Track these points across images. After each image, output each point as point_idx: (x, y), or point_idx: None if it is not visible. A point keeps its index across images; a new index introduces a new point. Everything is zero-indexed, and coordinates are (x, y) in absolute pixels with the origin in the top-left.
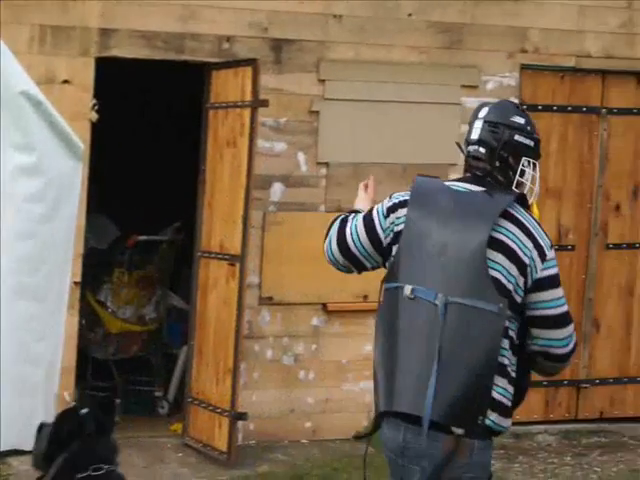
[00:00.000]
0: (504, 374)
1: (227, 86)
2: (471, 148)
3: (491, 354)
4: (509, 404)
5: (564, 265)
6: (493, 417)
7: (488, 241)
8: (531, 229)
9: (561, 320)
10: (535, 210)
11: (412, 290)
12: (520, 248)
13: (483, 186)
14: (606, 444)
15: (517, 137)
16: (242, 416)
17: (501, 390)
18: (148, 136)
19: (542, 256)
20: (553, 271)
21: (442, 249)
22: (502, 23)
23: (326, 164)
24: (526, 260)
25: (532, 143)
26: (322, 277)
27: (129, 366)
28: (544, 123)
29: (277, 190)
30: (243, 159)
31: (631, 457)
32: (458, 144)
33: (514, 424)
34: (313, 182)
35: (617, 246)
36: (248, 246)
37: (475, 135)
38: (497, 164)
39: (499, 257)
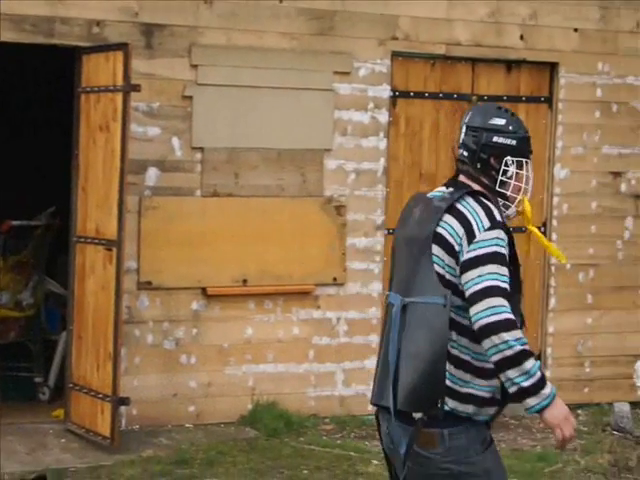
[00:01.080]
0: (457, 363)
1: (98, 70)
2: (458, 152)
3: (440, 344)
4: (466, 391)
5: None
6: (451, 403)
7: (433, 237)
8: (469, 216)
9: (477, 294)
10: (527, 206)
11: (387, 297)
12: (452, 236)
13: (454, 187)
14: None
15: (496, 138)
16: (124, 401)
17: (453, 378)
18: (19, 121)
19: (470, 239)
20: (476, 253)
21: (404, 253)
22: (373, 10)
23: (201, 149)
24: (457, 247)
25: (514, 142)
26: (201, 261)
27: (7, 352)
28: (416, 110)
29: (152, 175)
30: (116, 144)
31: (512, 436)
32: (453, 148)
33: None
34: (188, 167)
35: None
36: (124, 231)
37: (460, 139)
38: (478, 166)
39: (440, 251)
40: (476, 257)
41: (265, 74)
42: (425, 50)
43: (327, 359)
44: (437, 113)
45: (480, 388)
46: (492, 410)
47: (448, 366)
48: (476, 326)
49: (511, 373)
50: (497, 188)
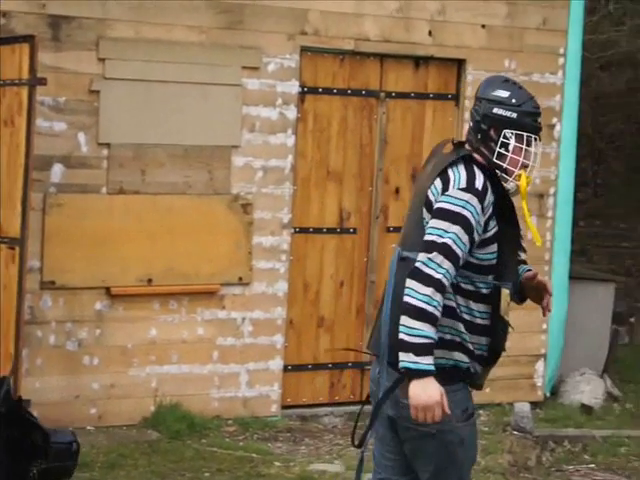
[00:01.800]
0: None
1: (3, 63)
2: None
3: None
4: (457, 340)
5: (346, 249)
6: (437, 353)
7: (425, 200)
8: (450, 176)
9: (427, 244)
10: (523, 181)
11: (394, 250)
12: (434, 195)
13: (457, 149)
14: None
15: (496, 110)
16: (25, 403)
17: (445, 329)
18: None
19: (443, 192)
20: (444, 205)
21: (411, 205)
22: (282, 5)
23: (107, 145)
24: (433, 202)
25: (514, 115)
26: (105, 260)
27: None
28: (324, 106)
29: (57, 171)
30: (21, 139)
31: None
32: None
33: (301, 407)
34: (94, 163)
35: (397, 229)
36: (28, 229)
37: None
38: (479, 136)
39: (427, 215)
40: (445, 210)
41: (173, 68)
42: (334, 45)
43: (231, 360)
44: (345, 109)
45: (463, 337)
46: (468, 361)
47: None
48: (414, 266)
49: (403, 319)
50: (494, 160)
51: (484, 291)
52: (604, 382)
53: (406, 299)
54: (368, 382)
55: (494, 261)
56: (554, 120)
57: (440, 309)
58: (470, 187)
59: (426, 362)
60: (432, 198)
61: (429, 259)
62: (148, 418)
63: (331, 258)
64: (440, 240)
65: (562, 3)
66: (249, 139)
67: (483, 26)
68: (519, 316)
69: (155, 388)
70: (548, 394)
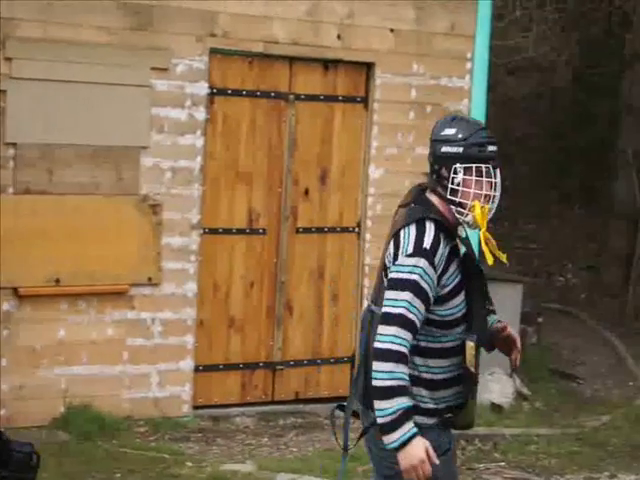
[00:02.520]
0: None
1: None
2: None
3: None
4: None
5: (256, 249)
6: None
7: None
8: (401, 241)
9: (382, 317)
10: (476, 210)
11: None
12: (388, 260)
13: (415, 203)
14: (302, 424)
15: (444, 149)
16: None
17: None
18: None
19: (394, 260)
20: (393, 275)
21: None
22: (191, 6)
23: (14, 145)
24: (388, 265)
25: (460, 149)
26: (12, 261)
27: None
28: (234, 108)
29: None
30: None
31: (326, 437)
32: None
33: (212, 407)
34: (1, 163)
35: (307, 230)
36: None
37: None
38: (434, 177)
39: (383, 275)
40: (394, 280)
41: (81, 69)
42: (243, 47)
43: (141, 360)
44: (255, 111)
45: (421, 399)
46: (432, 420)
47: None
48: (374, 344)
49: (376, 403)
50: (448, 196)
51: (449, 344)
52: (513, 381)
53: (373, 382)
54: (280, 381)
55: (459, 314)
56: None
57: (406, 377)
58: (416, 251)
59: (405, 431)
60: (387, 263)
61: (385, 334)
62: (58, 419)
63: (241, 259)
64: (394, 311)
65: (469, 8)
66: (158, 140)
67: (391, 30)
68: None
69: (64, 389)
70: None
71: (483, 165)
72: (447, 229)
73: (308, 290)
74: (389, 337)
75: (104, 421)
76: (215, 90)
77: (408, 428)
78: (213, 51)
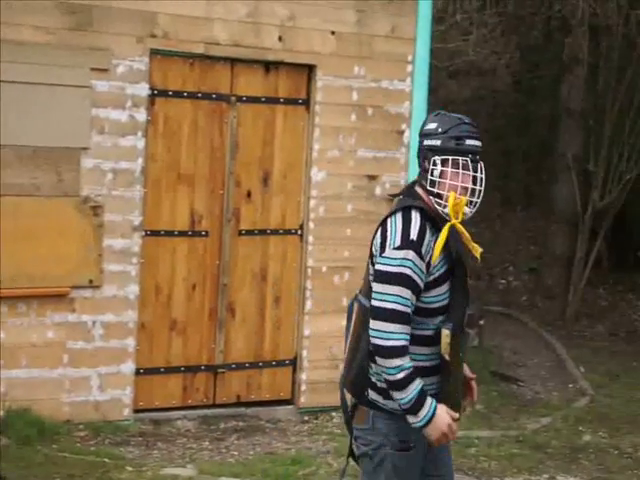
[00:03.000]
0: (374, 360)
1: None
2: None
3: (364, 343)
4: (384, 386)
5: (198, 251)
6: (372, 394)
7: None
8: (388, 231)
9: (375, 312)
10: (450, 201)
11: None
12: (374, 245)
13: (405, 195)
14: (243, 428)
15: (426, 142)
16: None
17: (374, 374)
18: None
19: (381, 252)
20: (382, 267)
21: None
22: (131, 7)
23: None
24: (374, 254)
25: (439, 142)
26: None
27: None
28: (175, 109)
29: None
30: None
31: (267, 440)
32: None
33: (153, 410)
34: None
35: (249, 232)
36: None
37: None
38: (420, 170)
39: (370, 265)
40: (383, 272)
41: (20, 69)
42: (184, 49)
43: (82, 363)
44: (196, 113)
45: None
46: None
47: (371, 363)
48: (371, 341)
49: (394, 394)
50: (428, 188)
51: (430, 332)
52: None
53: (386, 377)
54: (221, 385)
55: (442, 303)
56: (403, 126)
57: (411, 363)
58: (404, 243)
59: (426, 409)
60: (374, 252)
61: (384, 331)
62: None
63: (183, 261)
64: (386, 306)
65: (410, 11)
66: (98, 141)
67: (333, 32)
68: None
69: (4, 392)
70: None
71: (460, 158)
72: (433, 219)
73: (250, 293)
74: (388, 334)
75: (44, 425)
76: (156, 91)
77: (428, 405)
78: (154, 52)
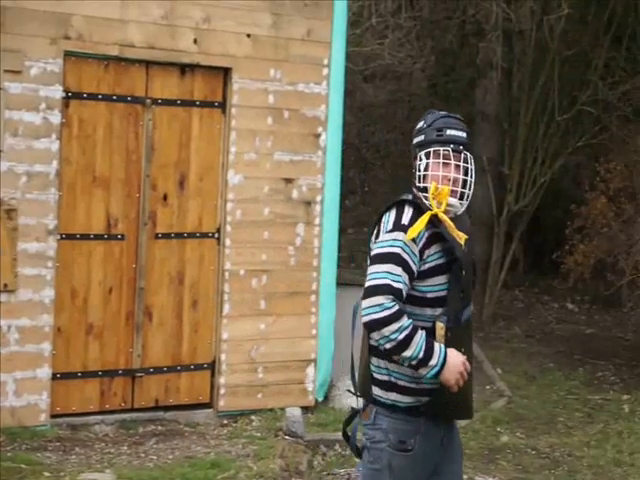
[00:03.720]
0: (377, 354)
1: None
2: None
3: (365, 339)
4: (387, 379)
5: (114, 255)
6: (375, 390)
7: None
8: (383, 221)
9: (366, 291)
10: (431, 192)
11: None
12: (371, 242)
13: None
14: (162, 432)
15: (414, 140)
16: None
17: (374, 368)
18: None
19: (376, 239)
20: (375, 251)
21: None
22: (45, 8)
23: None
24: (371, 246)
25: (422, 137)
26: None
27: None
28: (90, 112)
29: None
30: None
31: (186, 444)
32: None
33: (70, 415)
34: None
35: (166, 236)
36: None
37: None
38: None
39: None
40: (375, 255)
41: None
42: (98, 51)
43: None
44: (111, 115)
45: (400, 376)
46: (408, 399)
47: (371, 357)
48: (363, 319)
49: (403, 356)
50: (417, 184)
51: (425, 325)
52: None
53: (387, 346)
54: (139, 389)
55: (441, 293)
56: (319, 129)
57: (410, 322)
58: (396, 226)
59: (436, 359)
60: (371, 245)
61: (373, 305)
62: None
63: (99, 264)
64: (376, 282)
65: (326, 15)
66: (12, 144)
67: (248, 35)
68: (288, 321)
69: None
70: (320, 399)
71: (441, 148)
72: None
73: (168, 296)
74: (380, 306)
75: None
76: (70, 94)
77: (438, 349)
78: (68, 54)
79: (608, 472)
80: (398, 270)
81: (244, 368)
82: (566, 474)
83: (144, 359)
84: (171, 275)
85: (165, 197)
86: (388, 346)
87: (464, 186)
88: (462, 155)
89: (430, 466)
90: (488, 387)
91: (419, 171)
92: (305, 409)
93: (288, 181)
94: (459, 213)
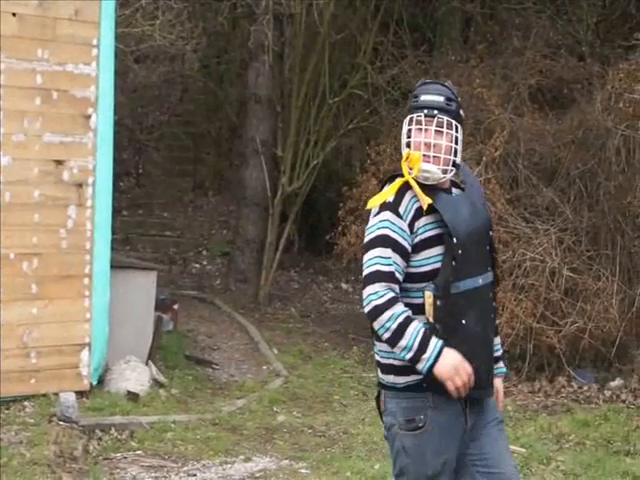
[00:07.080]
0: (378, 337)
1: None
2: None
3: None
4: (388, 362)
5: None
6: (380, 374)
7: None
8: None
9: (363, 282)
10: (403, 158)
11: None
12: None
13: None
14: None
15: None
16: None
17: (377, 352)
18: None
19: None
20: (367, 237)
21: None
22: None
23: None
24: None
25: (410, 105)
26: None
27: None
28: None
29: None
30: None
31: None
32: None
33: None
34: None
35: None
36: None
37: None
38: None
39: None
40: (366, 242)
41: None
42: None
43: None
44: None
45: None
46: (408, 379)
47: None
48: (366, 309)
49: (396, 349)
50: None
51: (418, 301)
52: (149, 369)
53: (383, 336)
54: None
55: (438, 264)
56: (90, 110)
57: (405, 310)
58: (382, 206)
59: (429, 352)
60: None
61: (370, 294)
62: None
63: None
64: (369, 270)
65: None
66: None
67: (14, 14)
68: (61, 305)
69: None
70: (94, 383)
71: (415, 114)
72: (418, 184)
73: None
74: (376, 294)
75: None
76: None
77: (433, 343)
78: None
79: (383, 448)
80: (387, 252)
81: (16, 353)
82: (342, 451)
83: None
84: None
85: None
86: (386, 336)
87: (451, 153)
88: (436, 119)
89: (455, 437)
90: (265, 367)
91: (406, 139)
92: (80, 394)
93: (58, 163)
94: (442, 180)
